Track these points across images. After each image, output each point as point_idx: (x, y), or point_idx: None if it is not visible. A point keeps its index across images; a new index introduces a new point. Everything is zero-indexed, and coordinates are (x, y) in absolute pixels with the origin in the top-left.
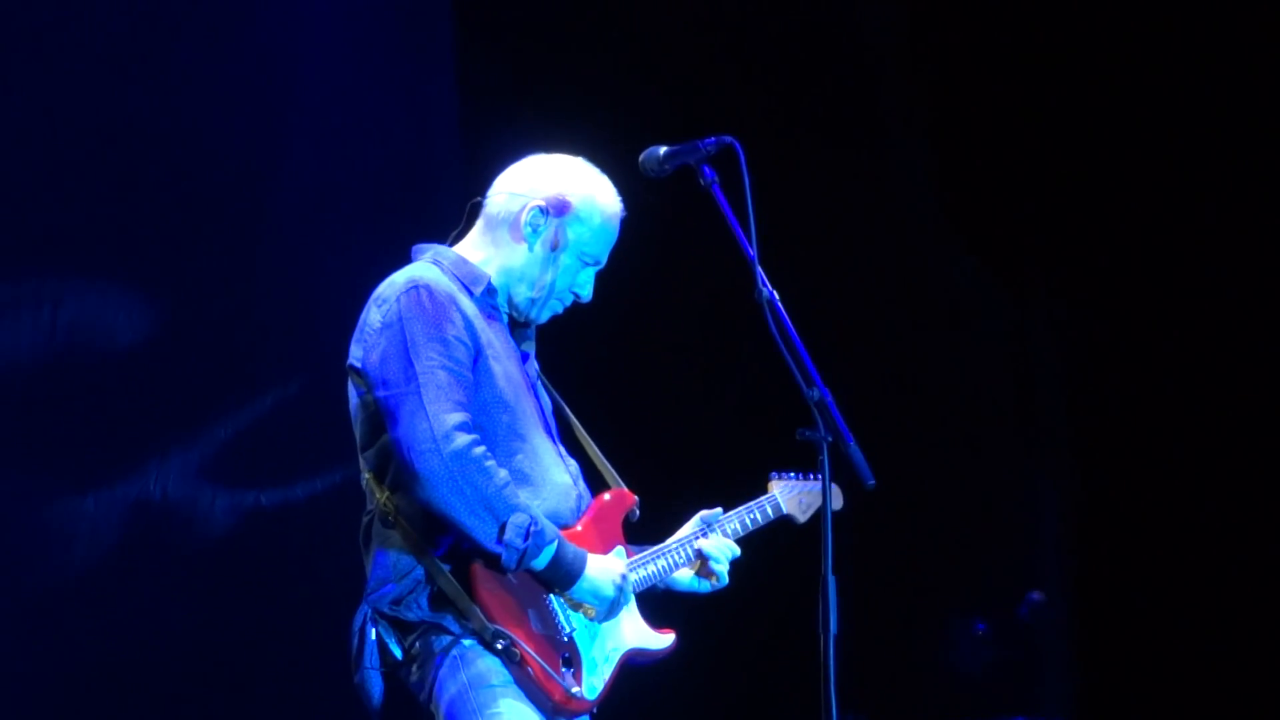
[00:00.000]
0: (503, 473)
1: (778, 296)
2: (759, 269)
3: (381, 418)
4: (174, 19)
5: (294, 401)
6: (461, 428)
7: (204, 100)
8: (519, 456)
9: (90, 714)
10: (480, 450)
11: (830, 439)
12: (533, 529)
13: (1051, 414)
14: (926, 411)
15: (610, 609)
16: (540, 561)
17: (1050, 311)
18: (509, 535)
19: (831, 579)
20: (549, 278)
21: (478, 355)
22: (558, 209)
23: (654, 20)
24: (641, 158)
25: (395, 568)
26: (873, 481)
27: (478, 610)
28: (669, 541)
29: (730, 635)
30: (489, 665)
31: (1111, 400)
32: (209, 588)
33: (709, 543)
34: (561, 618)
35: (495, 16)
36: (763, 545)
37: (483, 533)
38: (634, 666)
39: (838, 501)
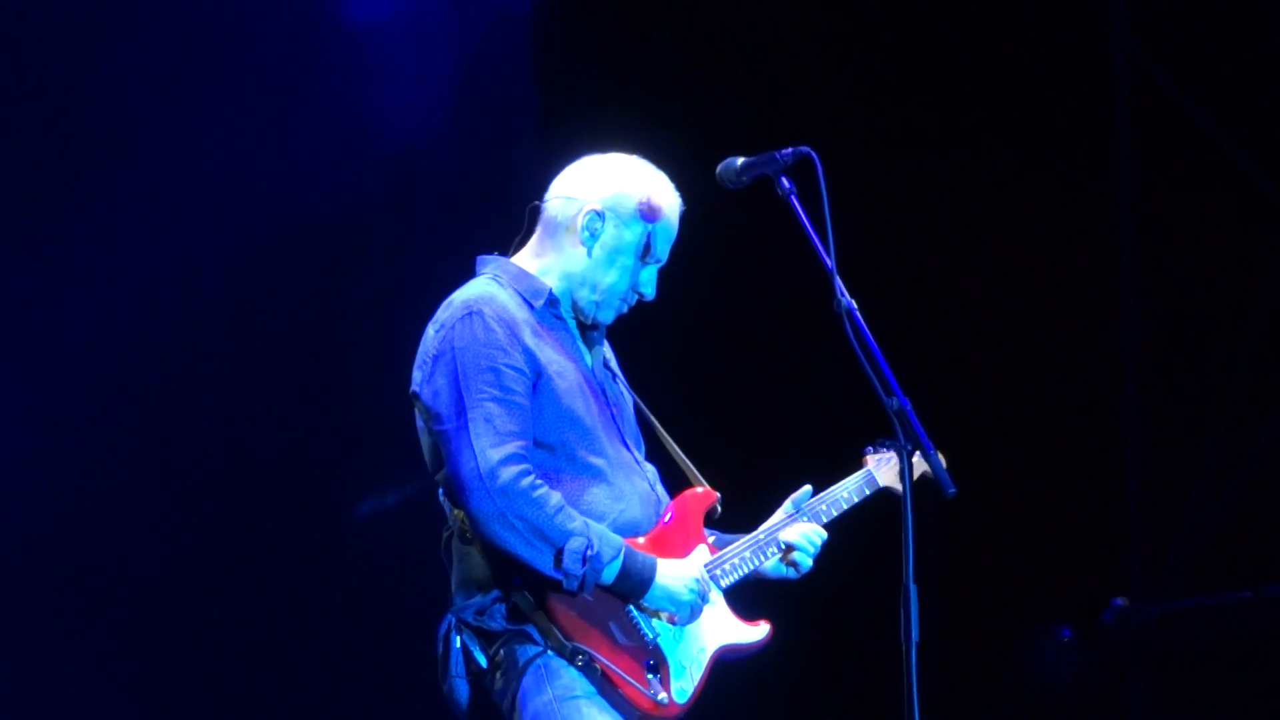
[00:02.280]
0: (555, 498)
1: (856, 306)
2: (837, 279)
3: (440, 449)
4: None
5: (384, 407)
6: (509, 460)
7: (281, 107)
8: (591, 469)
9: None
10: (528, 481)
11: (910, 448)
12: (589, 553)
13: (1136, 420)
14: (1009, 418)
15: (690, 613)
16: (606, 578)
17: (1127, 314)
18: (566, 563)
19: (913, 588)
20: (610, 280)
21: (539, 375)
22: (614, 210)
23: (734, 27)
24: (719, 169)
25: (476, 583)
26: (954, 490)
27: (555, 629)
28: (758, 531)
29: (814, 644)
30: (572, 676)
31: (1187, 405)
32: (300, 595)
33: (792, 532)
34: (643, 625)
35: (575, 22)
36: (847, 551)
37: (540, 562)
38: (728, 663)
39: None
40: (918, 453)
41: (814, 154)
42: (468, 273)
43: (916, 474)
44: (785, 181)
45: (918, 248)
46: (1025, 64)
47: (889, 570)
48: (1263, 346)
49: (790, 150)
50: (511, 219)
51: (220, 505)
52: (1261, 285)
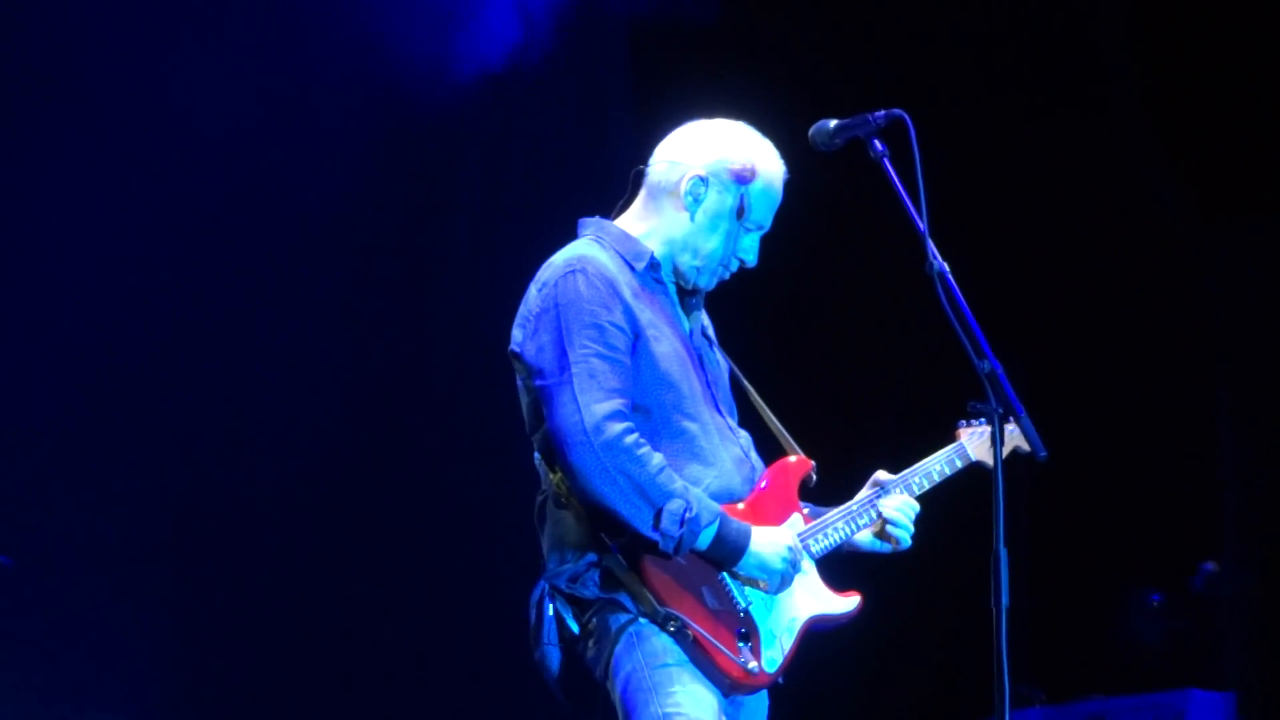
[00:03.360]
0: (657, 458)
1: (948, 268)
2: (929, 241)
3: (540, 405)
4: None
5: (484, 370)
6: (613, 416)
7: (380, 74)
8: (686, 434)
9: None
10: (632, 438)
11: (1001, 411)
12: (688, 514)
13: (1231, 383)
14: (1100, 382)
15: (781, 581)
16: (701, 543)
17: (1220, 275)
18: (664, 523)
19: (1003, 552)
20: (712, 245)
21: (637, 337)
22: (718, 176)
23: None
24: (811, 131)
25: (570, 547)
26: (1045, 454)
27: (648, 594)
28: (850, 503)
29: (905, 608)
30: (664, 644)
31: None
32: (394, 561)
33: (888, 503)
34: (736, 593)
35: None
36: (937, 521)
37: (639, 520)
38: (818, 632)
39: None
40: (1009, 419)
41: (906, 116)
42: (569, 235)
43: (1007, 447)
44: (878, 144)
45: (1010, 211)
46: (1123, 37)
47: (977, 538)
48: None
49: (883, 113)
50: (608, 182)
51: (313, 470)
52: None
